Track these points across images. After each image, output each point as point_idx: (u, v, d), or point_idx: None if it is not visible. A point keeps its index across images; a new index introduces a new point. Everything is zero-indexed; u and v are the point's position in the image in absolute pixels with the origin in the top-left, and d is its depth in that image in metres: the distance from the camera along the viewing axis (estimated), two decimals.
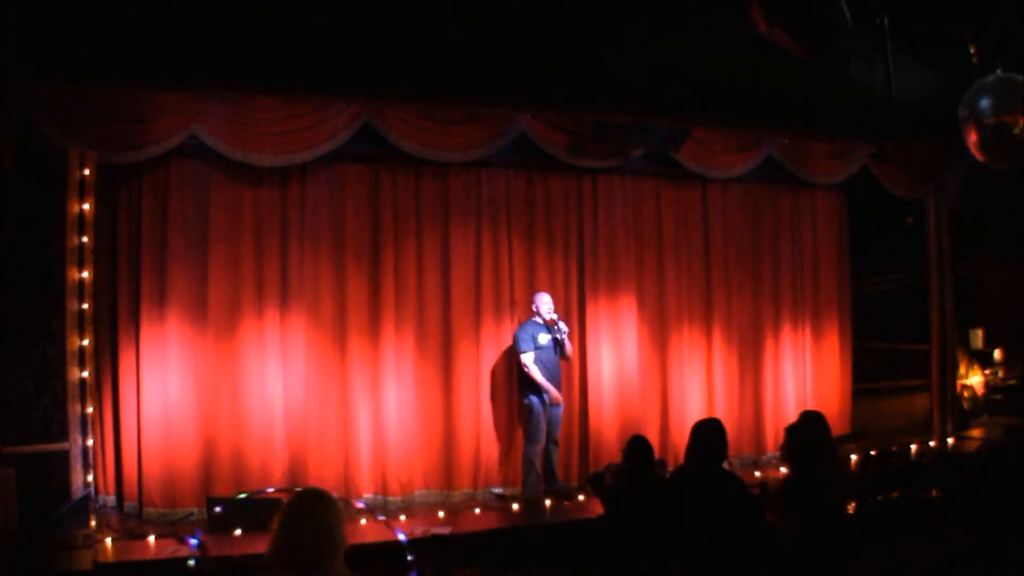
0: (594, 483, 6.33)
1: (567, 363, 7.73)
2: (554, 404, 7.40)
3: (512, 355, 7.75)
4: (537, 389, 7.34)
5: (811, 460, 4.68)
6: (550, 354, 7.40)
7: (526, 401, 7.41)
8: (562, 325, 7.41)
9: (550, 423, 7.42)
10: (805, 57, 4.60)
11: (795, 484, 4.74)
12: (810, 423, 5.00)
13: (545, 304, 7.41)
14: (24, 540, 5.63)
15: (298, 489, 3.03)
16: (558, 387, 7.48)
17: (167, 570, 5.43)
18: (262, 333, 7.08)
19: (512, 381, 7.77)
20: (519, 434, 7.73)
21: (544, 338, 7.35)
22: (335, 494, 3.26)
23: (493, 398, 7.75)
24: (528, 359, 7.27)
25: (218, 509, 6.23)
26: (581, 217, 8.18)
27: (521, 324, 7.52)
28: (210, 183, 6.95)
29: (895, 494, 6.89)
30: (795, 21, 4.38)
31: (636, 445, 5.03)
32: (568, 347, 7.49)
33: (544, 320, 7.39)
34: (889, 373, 9.77)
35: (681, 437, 4.92)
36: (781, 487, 4.97)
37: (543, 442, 7.38)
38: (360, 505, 6.19)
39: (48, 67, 5.32)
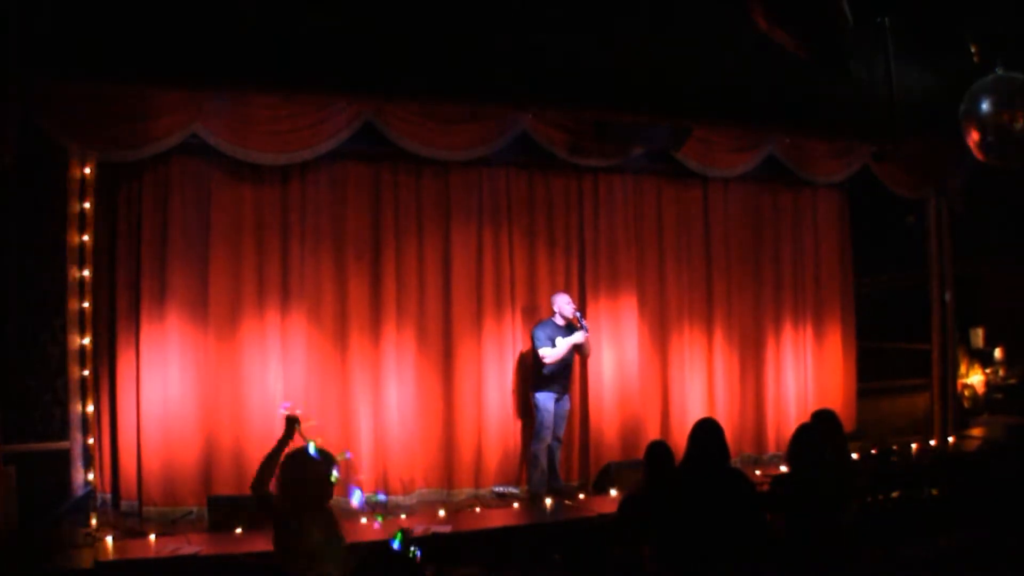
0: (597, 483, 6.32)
1: (583, 361, 7.81)
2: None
3: (515, 353, 7.79)
4: (546, 386, 7.37)
5: (811, 460, 4.68)
6: (567, 356, 7.42)
7: (533, 399, 7.43)
8: (584, 323, 7.46)
9: (556, 420, 7.44)
10: (806, 57, 4.60)
11: (787, 484, 4.75)
12: (819, 422, 5.00)
13: (567, 304, 7.45)
14: (24, 538, 5.63)
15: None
16: (568, 389, 7.55)
17: (168, 568, 5.44)
18: (263, 332, 7.08)
19: (514, 379, 7.79)
20: (521, 432, 7.75)
21: (561, 341, 7.36)
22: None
23: (494, 396, 7.74)
24: (547, 352, 7.27)
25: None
26: (582, 216, 8.18)
27: (539, 323, 7.53)
28: (211, 182, 6.95)
29: (895, 494, 6.89)
30: (796, 20, 4.39)
31: (652, 451, 4.98)
32: (588, 346, 7.53)
33: (566, 319, 7.44)
34: (890, 372, 9.77)
35: (682, 436, 4.90)
36: (772, 486, 4.98)
37: (548, 439, 7.41)
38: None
39: (49, 66, 5.32)
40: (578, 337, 7.40)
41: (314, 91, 6.37)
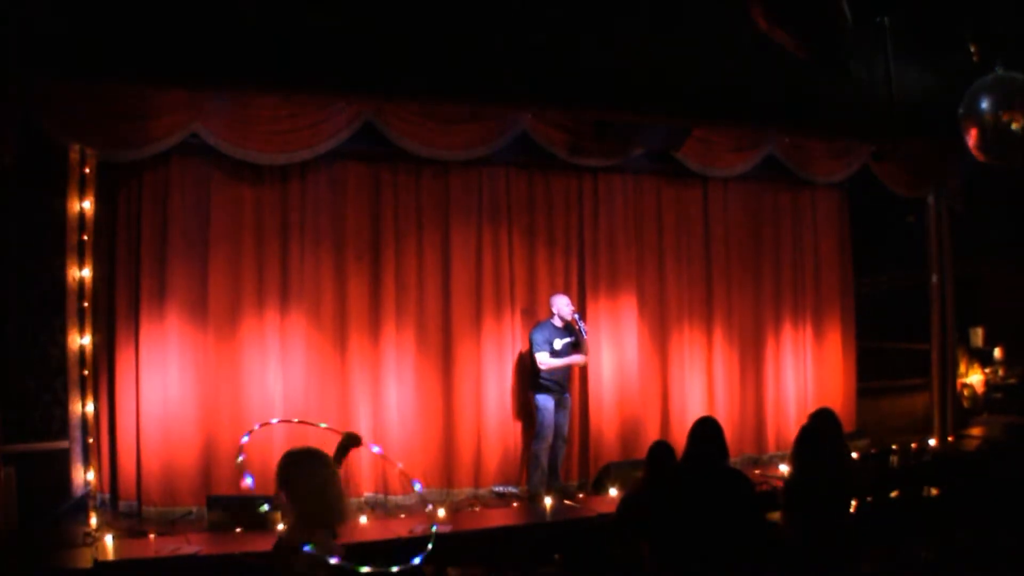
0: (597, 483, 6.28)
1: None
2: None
3: (514, 353, 7.79)
4: (545, 387, 7.37)
5: (815, 460, 4.68)
6: (564, 357, 7.41)
7: (533, 399, 7.44)
8: (582, 324, 7.43)
9: (559, 420, 7.44)
10: (806, 57, 4.60)
11: (797, 485, 4.75)
12: (821, 422, 5.01)
13: (566, 306, 7.42)
14: (24, 538, 5.64)
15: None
16: (568, 388, 7.55)
17: (168, 568, 5.44)
18: (262, 331, 7.08)
19: (514, 379, 7.79)
20: (520, 432, 7.75)
21: (559, 343, 7.37)
22: None
23: (494, 396, 7.74)
24: (544, 358, 7.29)
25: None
26: (582, 216, 8.18)
27: (538, 325, 7.52)
28: (211, 182, 6.95)
29: (895, 493, 6.89)
30: (796, 20, 4.38)
31: (654, 451, 4.98)
32: (585, 347, 7.51)
33: (565, 321, 7.42)
34: (890, 372, 9.78)
35: (682, 436, 4.89)
36: (783, 487, 4.98)
37: (550, 439, 7.41)
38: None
39: (49, 66, 5.31)
40: (579, 359, 7.47)
41: (314, 91, 6.37)
